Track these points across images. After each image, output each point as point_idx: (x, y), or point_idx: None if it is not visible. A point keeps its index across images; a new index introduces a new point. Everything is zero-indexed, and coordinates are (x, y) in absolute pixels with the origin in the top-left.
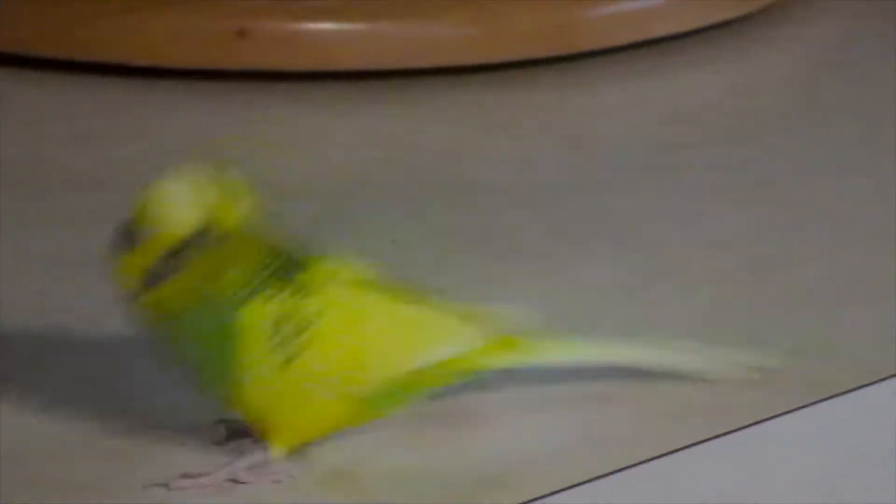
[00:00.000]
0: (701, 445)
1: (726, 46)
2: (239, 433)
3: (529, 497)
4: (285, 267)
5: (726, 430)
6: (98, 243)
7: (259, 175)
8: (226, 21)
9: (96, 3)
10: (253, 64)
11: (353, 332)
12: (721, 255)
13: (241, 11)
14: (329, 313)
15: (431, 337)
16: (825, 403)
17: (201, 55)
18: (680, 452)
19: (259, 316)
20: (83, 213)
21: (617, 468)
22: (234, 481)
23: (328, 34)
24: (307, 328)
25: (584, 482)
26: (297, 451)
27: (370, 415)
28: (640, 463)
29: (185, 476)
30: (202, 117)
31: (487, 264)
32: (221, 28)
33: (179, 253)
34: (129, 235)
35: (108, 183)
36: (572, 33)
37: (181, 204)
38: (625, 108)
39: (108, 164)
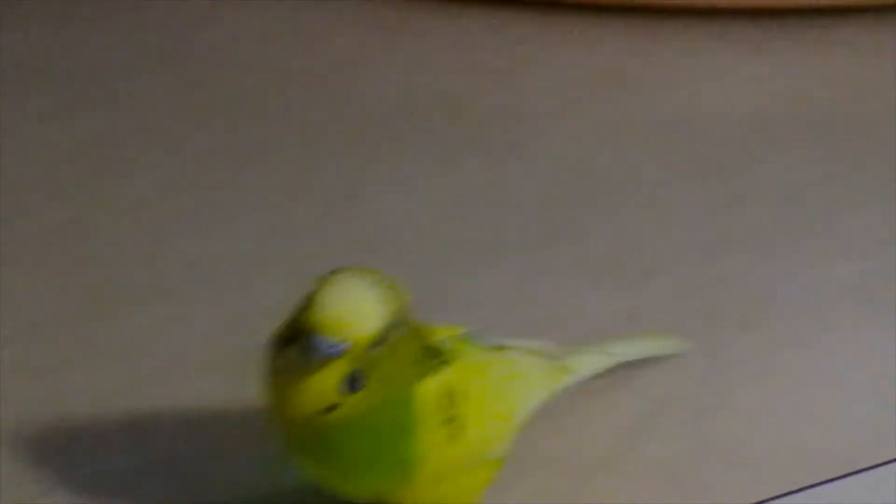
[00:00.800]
0: None
1: None
2: None
3: None
4: (431, 345)
5: None
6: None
7: (665, 110)
8: None
9: None
10: None
11: (488, 393)
12: None
13: None
14: (473, 376)
15: (533, 383)
16: None
17: None
18: None
19: (430, 391)
20: (498, 146)
21: None
22: None
23: None
24: (462, 397)
25: None
26: None
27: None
28: None
29: None
30: (610, 52)
31: None
32: None
33: (376, 347)
34: (322, 349)
35: (521, 116)
36: None
37: (365, 297)
38: None
39: (519, 98)
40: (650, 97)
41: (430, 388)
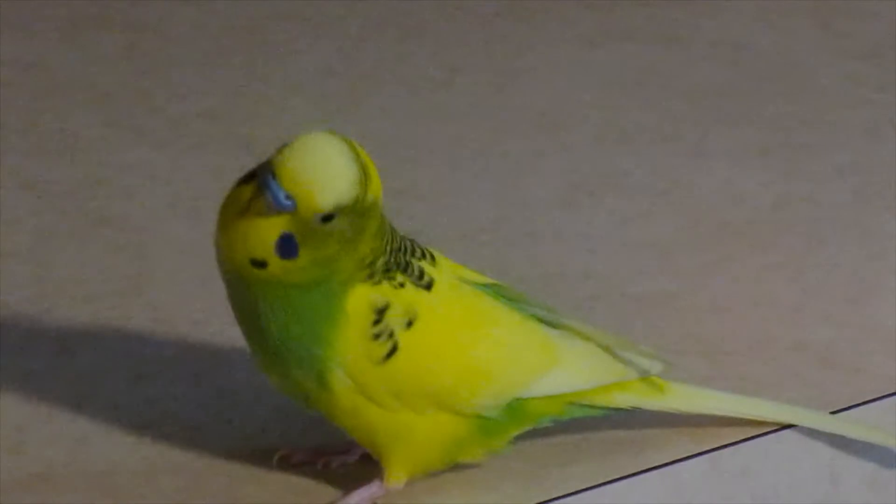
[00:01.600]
0: None
1: None
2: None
3: None
4: (406, 251)
5: None
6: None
7: None
8: None
9: None
10: None
11: (470, 337)
12: None
13: None
14: (445, 309)
15: (563, 363)
16: None
17: None
18: None
19: (365, 299)
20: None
21: None
22: None
23: None
24: (415, 321)
25: None
26: (417, 479)
27: (488, 442)
28: None
29: None
30: None
31: None
32: None
33: (322, 224)
34: (271, 192)
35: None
36: None
37: (336, 171)
38: None
39: None
40: None
41: (363, 294)
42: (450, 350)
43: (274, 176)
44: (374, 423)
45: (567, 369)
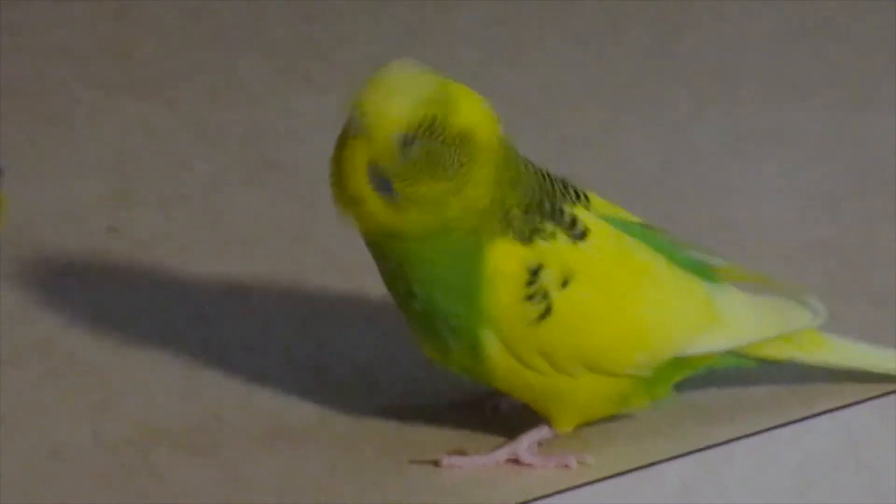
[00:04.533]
0: None
1: None
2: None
3: None
4: (558, 195)
5: None
6: None
7: None
8: None
9: None
10: None
11: (627, 296)
12: None
13: None
14: (601, 266)
15: (722, 320)
16: None
17: None
18: None
19: (515, 257)
20: None
21: None
22: (516, 462)
23: None
24: (570, 280)
25: None
26: (582, 427)
27: (650, 393)
28: None
29: (457, 453)
30: None
31: None
32: None
33: (403, 151)
34: (349, 117)
35: None
36: None
37: (404, 92)
38: None
39: None
40: None
41: (512, 251)
42: (606, 311)
43: (354, 104)
44: (533, 386)
45: (726, 326)
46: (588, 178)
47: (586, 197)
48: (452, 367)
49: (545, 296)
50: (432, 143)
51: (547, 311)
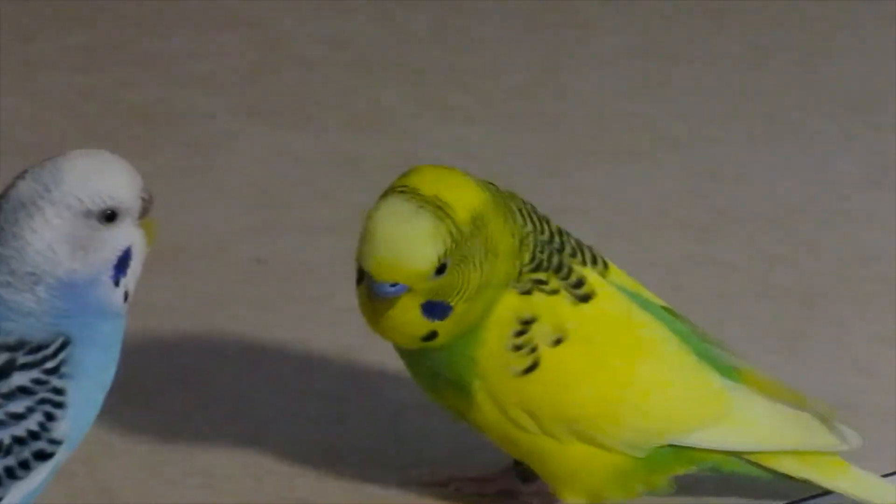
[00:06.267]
0: None
1: None
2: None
3: None
4: (566, 252)
5: None
6: None
7: None
8: None
9: None
10: None
11: (625, 367)
12: None
13: None
14: (601, 331)
15: (734, 419)
16: None
17: None
18: None
19: (510, 307)
20: None
21: None
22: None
23: None
24: (564, 340)
25: None
26: None
27: (646, 479)
28: None
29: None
30: None
31: None
32: None
33: (439, 278)
34: (379, 293)
35: None
36: None
37: (418, 242)
38: None
39: None
40: None
41: (509, 302)
42: (596, 377)
43: (370, 278)
44: (519, 444)
45: (736, 425)
46: (729, 209)
47: (605, 264)
48: (448, 407)
49: (533, 349)
50: (459, 251)
51: (533, 366)
